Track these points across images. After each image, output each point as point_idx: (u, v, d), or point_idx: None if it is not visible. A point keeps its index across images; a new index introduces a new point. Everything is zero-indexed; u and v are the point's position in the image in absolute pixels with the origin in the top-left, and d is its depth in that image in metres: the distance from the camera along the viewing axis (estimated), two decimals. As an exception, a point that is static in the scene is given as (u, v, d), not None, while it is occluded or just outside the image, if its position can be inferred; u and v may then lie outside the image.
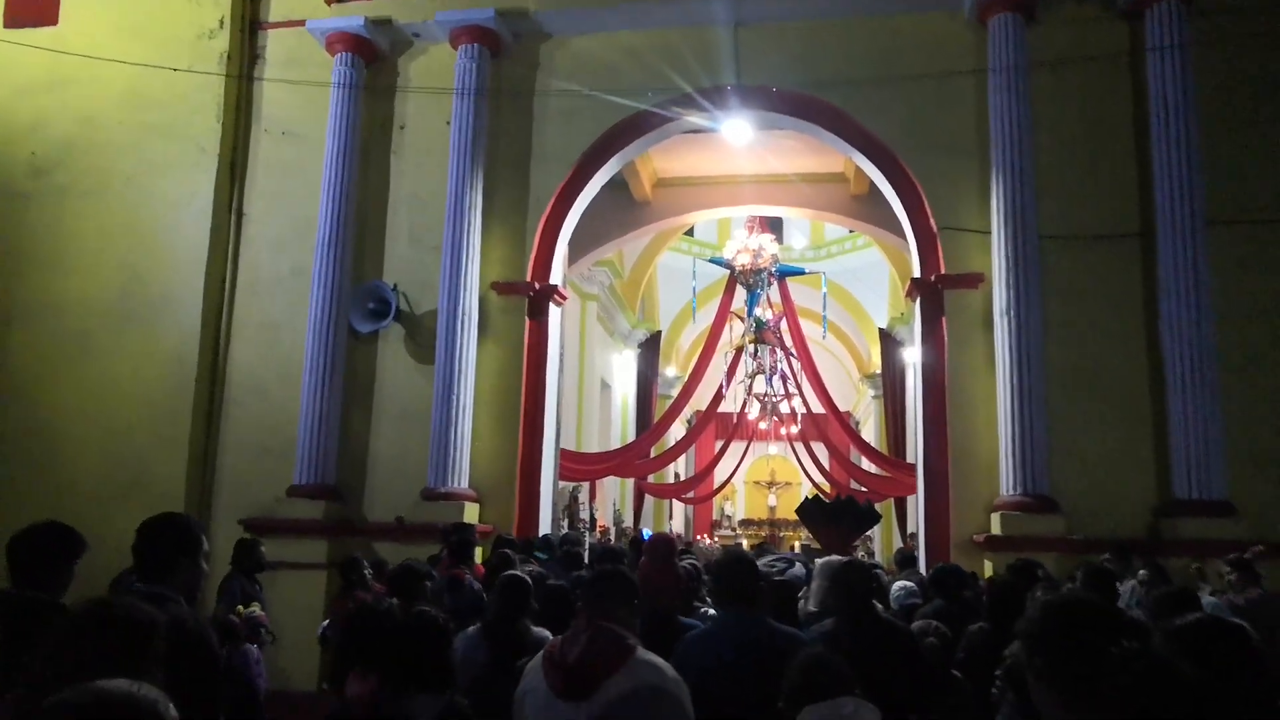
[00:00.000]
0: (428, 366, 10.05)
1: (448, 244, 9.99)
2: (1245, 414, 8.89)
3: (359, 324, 10.08)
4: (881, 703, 2.91)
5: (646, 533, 9.86)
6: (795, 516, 26.53)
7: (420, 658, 2.95)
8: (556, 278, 10.59)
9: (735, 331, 17.92)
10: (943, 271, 9.65)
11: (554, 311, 10.64)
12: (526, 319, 10.31)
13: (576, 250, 12.63)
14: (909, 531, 19.12)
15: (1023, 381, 8.95)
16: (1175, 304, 8.86)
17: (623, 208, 12.96)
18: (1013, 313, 9.07)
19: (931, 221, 9.79)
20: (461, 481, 9.77)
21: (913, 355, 19.74)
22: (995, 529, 8.87)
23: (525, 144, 10.44)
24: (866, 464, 19.50)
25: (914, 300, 10.11)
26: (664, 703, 2.90)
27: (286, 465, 9.85)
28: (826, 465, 21.23)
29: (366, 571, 7.56)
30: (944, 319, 9.63)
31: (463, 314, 9.91)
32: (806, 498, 9.87)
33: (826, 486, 22.56)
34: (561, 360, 10.97)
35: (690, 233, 21.69)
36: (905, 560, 9.77)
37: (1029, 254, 9.12)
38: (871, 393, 23.06)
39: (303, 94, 10.63)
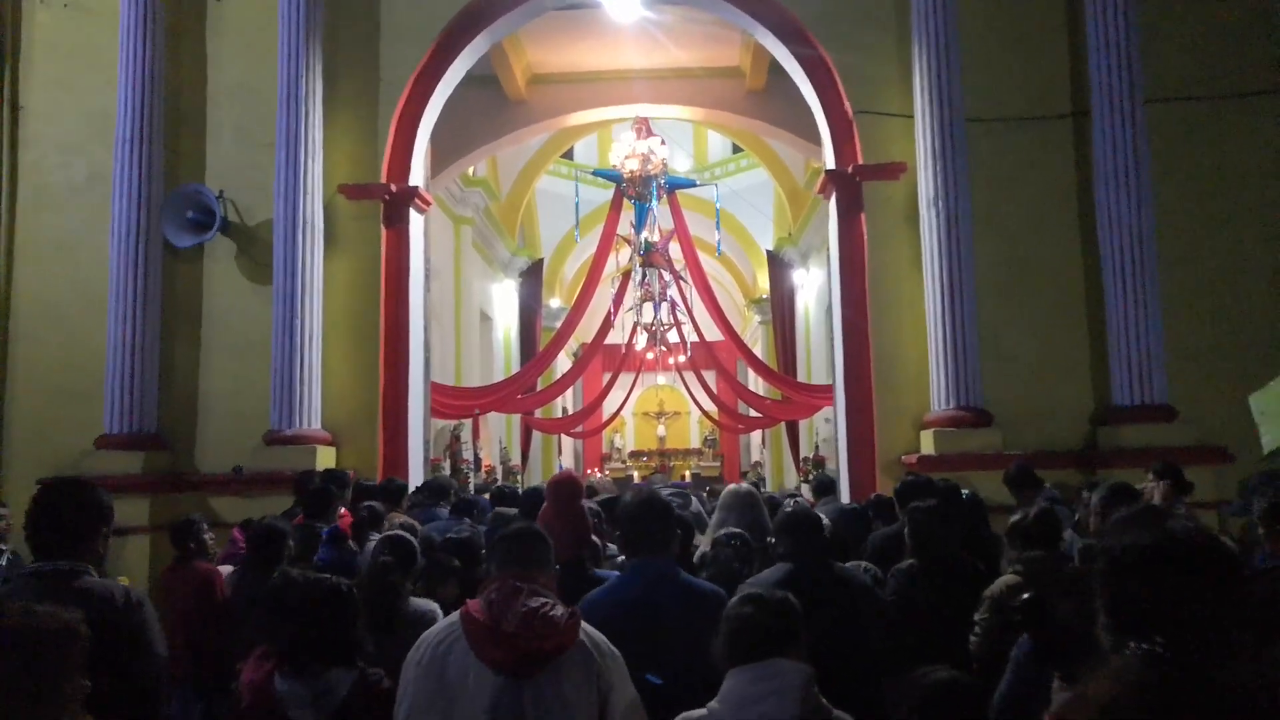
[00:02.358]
0: (265, 287, 8.16)
1: (283, 140, 8.05)
2: (1184, 310, 7.89)
3: (176, 238, 8.08)
4: (848, 667, 2.68)
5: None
6: (686, 445, 25.79)
7: (325, 631, 2.72)
8: (417, 179, 8.78)
9: (622, 257, 16.40)
10: (860, 161, 8.27)
11: (416, 220, 8.84)
12: (383, 227, 8.50)
13: (443, 157, 10.78)
14: (801, 455, 18.23)
15: (953, 281, 7.69)
16: (1112, 191, 7.72)
17: (494, 108, 11.14)
18: (940, 204, 7.76)
19: (847, 105, 8.38)
20: (312, 421, 8.00)
21: (802, 278, 18.68)
22: (927, 447, 7.66)
23: (373, 18, 8.52)
24: (764, 389, 18.44)
25: (827, 196, 8.71)
26: (617, 684, 2.51)
27: (94, 410, 7.87)
28: (717, 393, 20.08)
29: (207, 535, 5.85)
30: (863, 215, 8.28)
31: (305, 223, 8.03)
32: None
33: (716, 415, 21.53)
34: (428, 278, 9.19)
35: (569, 155, 19.94)
36: (824, 485, 8.52)
37: (956, 139, 7.81)
38: (758, 318, 21.97)
39: (91, -42, 8.41)
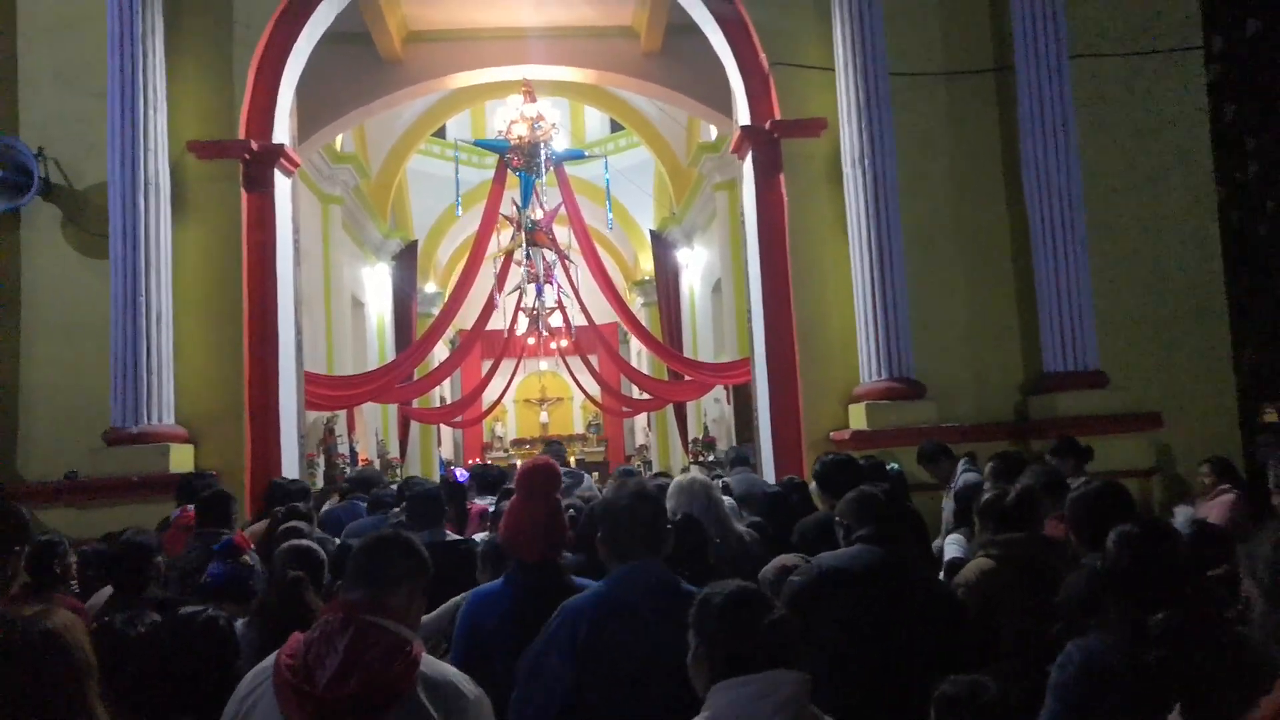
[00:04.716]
0: (100, 260, 6.76)
1: (115, 88, 6.65)
2: (1110, 273, 7.44)
3: (-18, 200, 6.57)
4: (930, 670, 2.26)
5: (461, 473, 7.14)
6: (570, 431, 24.79)
7: (193, 678, 2.25)
8: (282, 137, 7.48)
9: (504, 238, 15.23)
10: (778, 117, 7.47)
11: (282, 184, 7.55)
12: (243, 191, 7.18)
13: (310, 123, 9.41)
14: (691, 437, 17.56)
15: (881, 245, 6.99)
16: (1039, 150, 7.19)
17: (366, 67, 9.83)
18: (865, 163, 7.05)
19: (762, 58, 7.57)
20: (164, 416, 6.66)
21: (686, 257, 17.97)
22: (858, 422, 6.96)
23: (223, -53, 7.17)
24: (650, 371, 17.69)
25: (742, 156, 7.89)
26: None
27: (-118, 412, 6.31)
28: (601, 376, 19.20)
29: (71, 559, 4.59)
30: (781, 175, 7.49)
31: (147, 185, 6.66)
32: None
33: (600, 399, 20.64)
34: (297, 250, 7.89)
35: (441, 134, 18.59)
36: (740, 459, 7.70)
37: (880, 93, 7.10)
38: (641, 300, 21.17)
39: None
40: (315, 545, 3.39)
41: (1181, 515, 5.32)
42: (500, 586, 2.87)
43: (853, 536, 3.03)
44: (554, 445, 11.59)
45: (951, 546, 4.56)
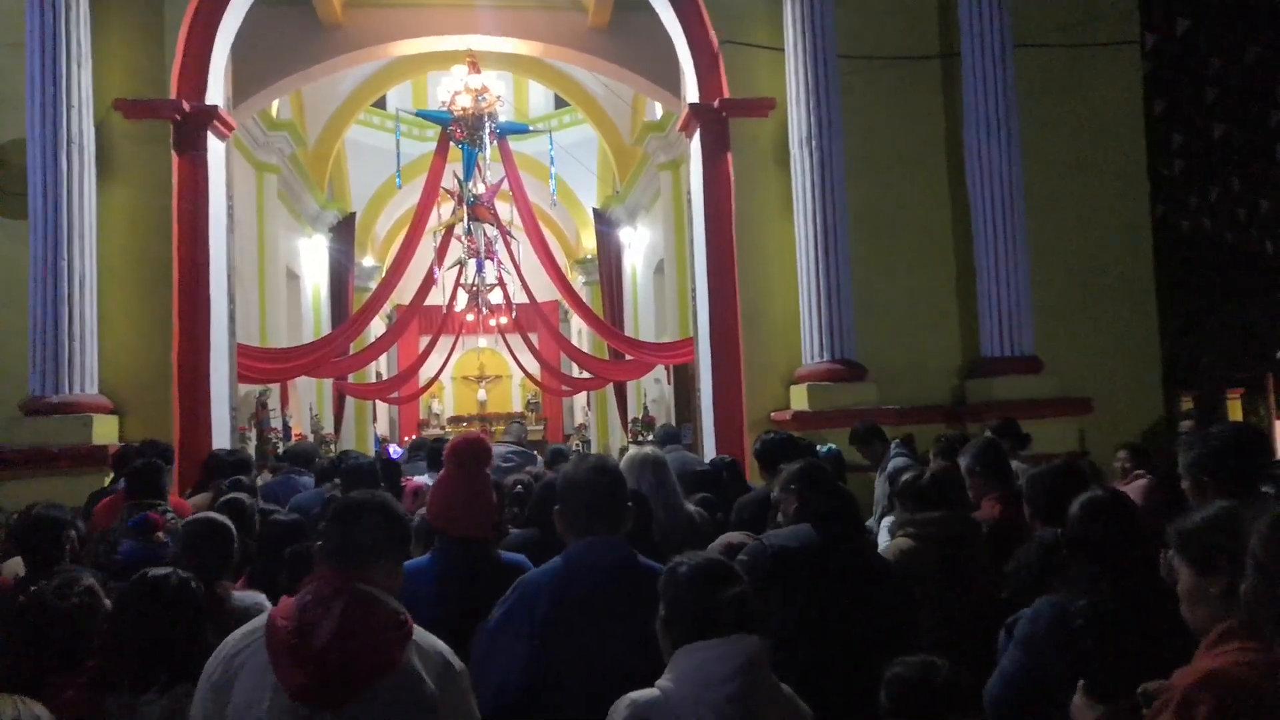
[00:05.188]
0: (18, 222, 6.43)
1: (35, 40, 6.31)
2: (1045, 259, 7.55)
3: (-111, 155, 6.18)
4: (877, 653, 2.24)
5: (395, 449, 6.96)
6: (508, 409, 24.56)
7: (165, 636, 2.26)
8: (216, 98, 7.17)
9: (444, 212, 14.92)
10: (726, 95, 7.41)
11: (216, 147, 7.25)
12: (174, 154, 6.88)
13: (244, 86, 9.04)
14: (631, 417, 17.53)
15: (826, 226, 7.00)
16: (982, 136, 7.26)
17: (306, 31, 9.47)
18: (813, 144, 7.04)
19: (712, 36, 7.50)
20: (87, 385, 6.37)
21: (629, 236, 17.87)
22: (800, 403, 6.98)
23: (154, -104, 6.83)
24: (590, 349, 17.58)
25: (689, 134, 7.82)
26: (460, 703, 1.96)
27: None
28: (541, 354, 19.02)
29: None
30: (729, 155, 7.45)
31: (70, 144, 6.34)
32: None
33: (540, 377, 20.48)
34: (231, 217, 7.60)
35: (381, 105, 18.14)
36: (670, 435, 7.65)
37: (829, 75, 7.09)
38: (583, 279, 21.02)
39: None
40: (218, 515, 3.23)
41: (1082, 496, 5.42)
42: (426, 561, 2.79)
43: (796, 509, 2.98)
44: (516, 423, 11.40)
45: (886, 530, 4.57)
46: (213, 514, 3.26)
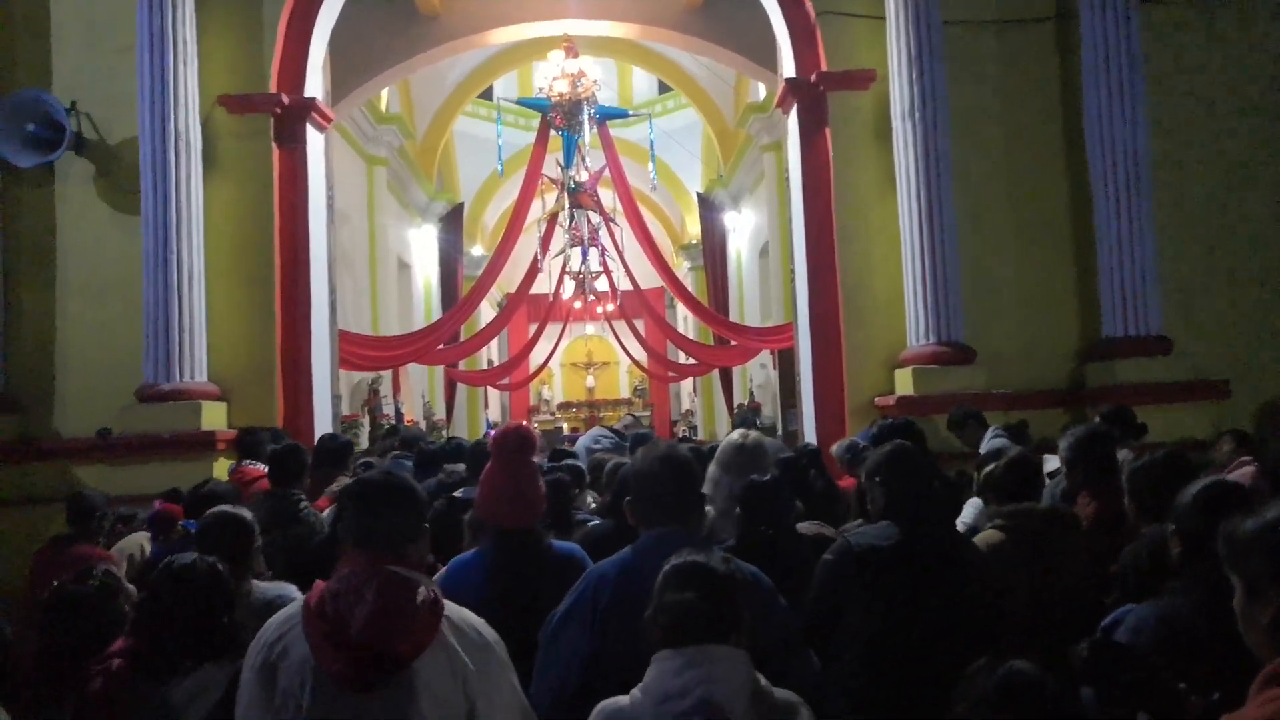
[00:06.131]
0: (132, 217, 6.65)
1: (145, 41, 6.48)
2: (1176, 233, 6.95)
3: (14, 156, 6.48)
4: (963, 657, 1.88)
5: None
6: (616, 396, 24.67)
7: (193, 621, 2.31)
8: (315, 91, 7.28)
9: (549, 201, 14.98)
10: (824, 69, 7.08)
11: (315, 139, 7.37)
12: (275, 146, 7.02)
13: (346, 79, 9.22)
14: (736, 402, 17.27)
15: (932, 202, 6.59)
16: (1103, 102, 6.69)
17: (404, 21, 9.58)
18: (916, 116, 6.63)
19: (809, 7, 7.16)
20: (196, 374, 6.56)
21: (734, 220, 17.56)
22: (905, 388, 6.63)
23: (253, -105, 6.95)
24: (695, 335, 17.40)
25: (786, 110, 7.52)
26: (489, 689, 1.93)
27: (-80, 367, 6.31)
28: (647, 340, 18.95)
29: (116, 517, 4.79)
30: (828, 130, 7.12)
31: (178, 141, 6.51)
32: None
33: (646, 364, 20.43)
34: (331, 208, 7.73)
35: (488, 95, 18.32)
36: (744, 423, 7.42)
37: (933, 42, 6.65)
38: (687, 264, 20.84)
39: None
40: (237, 511, 3.17)
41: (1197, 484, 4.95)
42: (475, 555, 2.76)
43: (885, 504, 2.75)
44: (631, 415, 11.29)
45: (968, 510, 4.24)
46: (229, 509, 3.18)
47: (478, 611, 2.06)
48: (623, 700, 1.90)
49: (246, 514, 3.06)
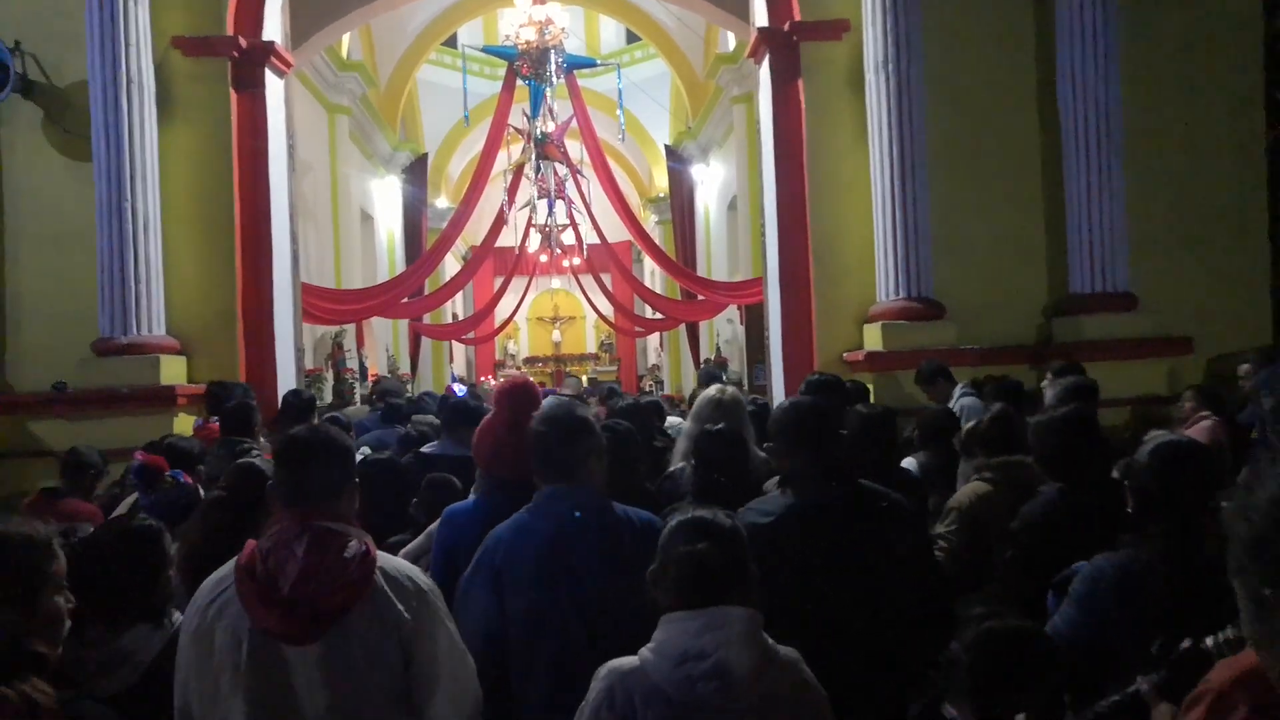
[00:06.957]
0: (84, 164, 6.40)
1: (94, -24, 6.19)
2: (1144, 189, 6.96)
3: (-44, 97, 6.19)
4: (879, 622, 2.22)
5: (459, 389, 6.94)
6: (582, 350, 24.63)
7: (128, 581, 2.25)
8: (274, 34, 7.03)
9: (514, 152, 14.70)
10: (797, 18, 6.95)
11: (274, 84, 7.13)
12: (232, 91, 6.77)
13: (307, 22, 8.86)
14: (703, 357, 17.26)
15: (904, 156, 6.55)
16: (1076, 55, 6.67)
17: (366, -36, 9.26)
18: (890, 68, 6.56)
19: (782, -48, 7.01)
20: (154, 327, 6.39)
21: (702, 173, 17.41)
22: (874, 343, 6.63)
23: None
24: (663, 289, 17.31)
25: (758, 60, 7.40)
26: (426, 630, 1.95)
27: None
28: (614, 295, 18.83)
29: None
30: (800, 81, 7.01)
31: (130, 84, 6.26)
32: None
33: (613, 318, 20.34)
34: (292, 156, 7.50)
35: (452, 43, 17.88)
36: (710, 377, 7.35)
37: (907, -9, 6.55)
38: (655, 218, 20.67)
39: None
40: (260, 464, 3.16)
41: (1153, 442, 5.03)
42: (473, 504, 2.77)
43: (780, 473, 2.64)
44: (573, 378, 11.21)
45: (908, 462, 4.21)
46: (253, 460, 3.16)
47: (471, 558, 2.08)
48: (631, 661, 1.85)
49: (264, 466, 3.04)
